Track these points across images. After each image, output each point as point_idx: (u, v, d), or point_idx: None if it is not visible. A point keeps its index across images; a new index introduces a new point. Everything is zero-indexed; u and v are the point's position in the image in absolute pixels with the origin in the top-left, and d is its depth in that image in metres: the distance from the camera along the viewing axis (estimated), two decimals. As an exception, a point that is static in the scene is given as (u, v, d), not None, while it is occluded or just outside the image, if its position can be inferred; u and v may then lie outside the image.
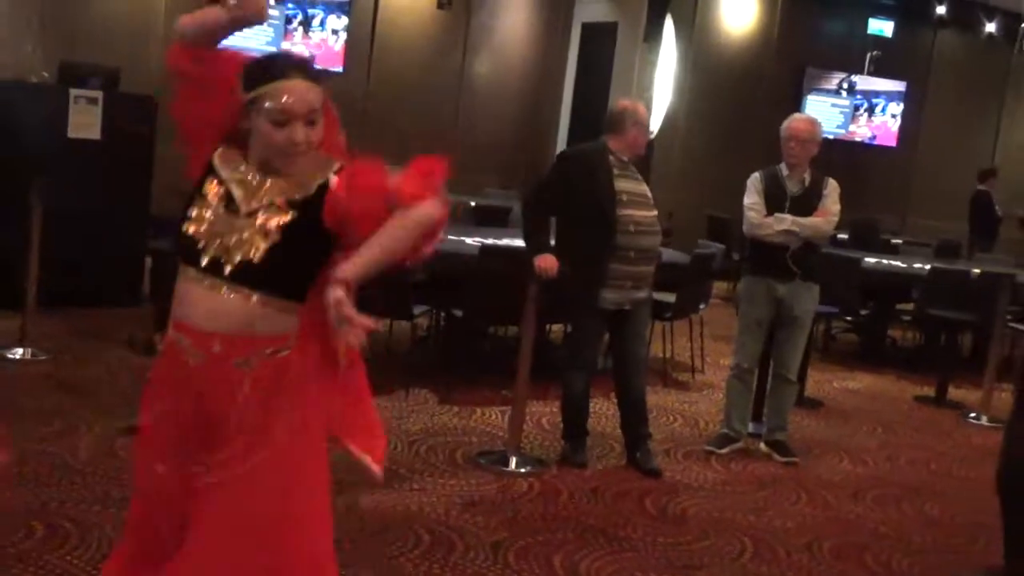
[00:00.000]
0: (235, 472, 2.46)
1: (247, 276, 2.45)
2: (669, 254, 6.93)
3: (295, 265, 2.48)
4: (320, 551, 2.57)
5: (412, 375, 6.74)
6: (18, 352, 6.34)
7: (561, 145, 13.08)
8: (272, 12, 11.19)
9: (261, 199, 2.48)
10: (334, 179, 2.48)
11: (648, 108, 11.63)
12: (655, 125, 12.61)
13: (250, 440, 2.47)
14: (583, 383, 5.51)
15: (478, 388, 6.72)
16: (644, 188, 5.50)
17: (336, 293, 2.33)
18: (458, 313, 6.97)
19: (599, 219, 5.25)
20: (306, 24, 11.47)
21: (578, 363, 5.50)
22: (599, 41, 13.21)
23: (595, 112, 12.54)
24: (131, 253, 7.94)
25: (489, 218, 9.24)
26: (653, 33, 12.60)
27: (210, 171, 2.53)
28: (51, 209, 6.47)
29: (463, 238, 7.37)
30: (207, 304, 2.46)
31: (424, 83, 12.59)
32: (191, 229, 2.48)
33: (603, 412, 6.28)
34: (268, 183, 2.48)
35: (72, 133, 7.57)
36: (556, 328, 7.92)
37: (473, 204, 9.87)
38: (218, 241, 2.46)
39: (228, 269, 2.44)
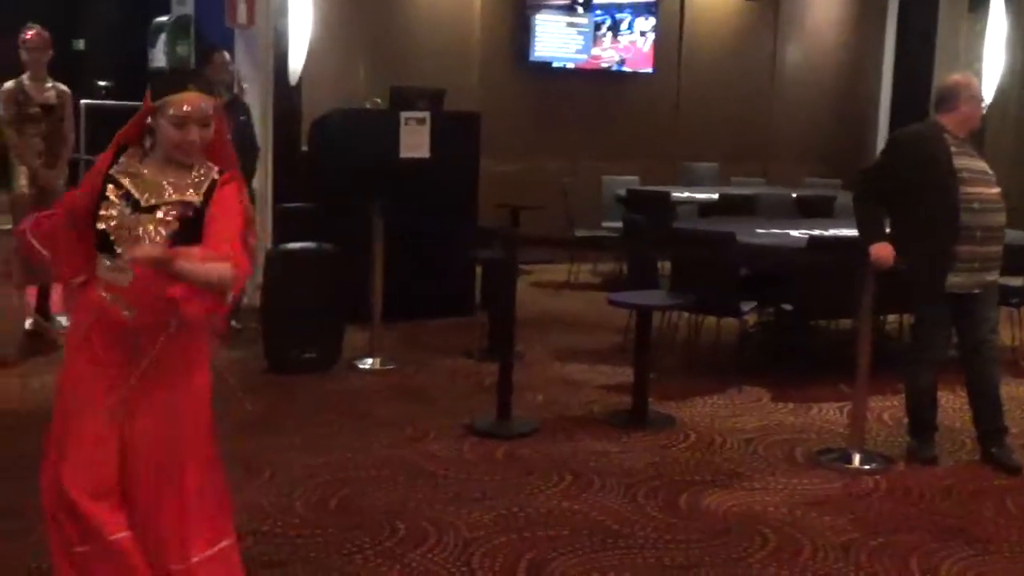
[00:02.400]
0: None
1: None
2: (1012, 235, 6.46)
3: (189, 244, 2.97)
4: None
5: (743, 372, 6.64)
6: (368, 362, 6.77)
7: (883, 128, 12.53)
8: (581, 20, 11.39)
9: (161, 196, 3.02)
10: (218, 184, 3.05)
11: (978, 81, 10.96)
12: (986, 99, 11.83)
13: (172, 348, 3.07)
14: (930, 375, 5.24)
15: (812, 384, 6.53)
16: (984, 165, 5.20)
17: (157, 251, 2.86)
18: (787, 307, 6.82)
19: (941, 200, 4.99)
20: (614, 28, 11.57)
21: (924, 354, 5.24)
22: (919, 14, 12.52)
23: (918, 90, 11.97)
24: (462, 265, 8.23)
25: (813, 209, 8.96)
26: (979, 1, 11.82)
27: (108, 179, 3.04)
28: (387, 227, 6.86)
29: (788, 231, 7.20)
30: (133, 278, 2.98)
31: (735, 76, 12.41)
32: (102, 226, 3.00)
33: (949, 405, 5.94)
34: (172, 183, 3.03)
35: (404, 153, 8.00)
36: (891, 319, 7.58)
37: (794, 196, 9.60)
38: (127, 232, 2.99)
39: None
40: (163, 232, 2.99)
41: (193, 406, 3.13)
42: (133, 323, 3.03)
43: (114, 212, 3.00)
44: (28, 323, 6.81)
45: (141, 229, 2.98)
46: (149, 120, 3.04)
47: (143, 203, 3.01)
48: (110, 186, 3.04)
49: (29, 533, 3.76)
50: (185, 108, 2.97)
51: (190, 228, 3.01)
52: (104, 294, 3.04)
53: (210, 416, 3.18)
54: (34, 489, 3.14)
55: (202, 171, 3.08)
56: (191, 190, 3.05)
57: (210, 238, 2.98)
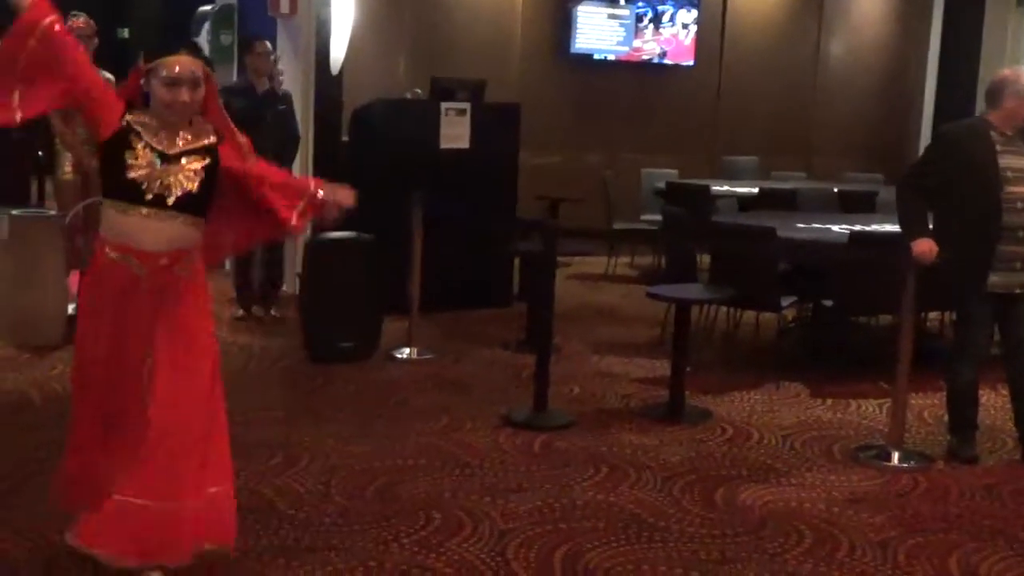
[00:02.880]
0: (175, 335, 3.31)
1: (184, 204, 3.26)
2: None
3: (210, 192, 3.34)
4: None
5: (781, 367, 6.60)
6: (405, 352, 6.79)
7: (927, 123, 12.40)
8: (622, 12, 11.35)
9: (183, 147, 3.28)
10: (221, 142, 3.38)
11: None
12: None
13: (178, 311, 3.33)
14: (971, 373, 5.18)
15: (851, 380, 6.48)
16: (1030, 163, 5.11)
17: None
18: (827, 303, 6.77)
19: (983, 199, 4.94)
20: (656, 21, 11.52)
21: (965, 352, 5.17)
22: (966, 8, 12.37)
23: (964, 85, 11.83)
24: (500, 256, 8.21)
25: (854, 204, 8.88)
26: (1028, -5, 11.68)
27: (129, 131, 3.24)
28: (426, 217, 6.88)
29: (829, 226, 7.15)
30: (154, 230, 3.23)
31: (777, 70, 12.32)
32: (132, 175, 3.21)
33: (991, 404, 5.88)
34: (181, 135, 3.29)
35: (444, 144, 8.01)
36: (932, 315, 7.51)
37: (836, 190, 9.52)
38: (158, 182, 3.22)
39: (171, 200, 3.24)
40: (196, 182, 3.27)
41: (200, 343, 3.36)
42: (146, 281, 3.26)
43: (144, 163, 3.23)
44: (71, 308, 6.88)
45: (172, 178, 3.25)
46: (142, 82, 3.27)
47: (169, 152, 3.26)
48: (132, 136, 3.25)
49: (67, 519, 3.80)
50: (176, 69, 3.21)
51: (211, 173, 3.32)
52: (113, 255, 3.25)
53: (214, 349, 3.43)
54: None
55: (205, 123, 3.38)
56: (208, 134, 3.36)
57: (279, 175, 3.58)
